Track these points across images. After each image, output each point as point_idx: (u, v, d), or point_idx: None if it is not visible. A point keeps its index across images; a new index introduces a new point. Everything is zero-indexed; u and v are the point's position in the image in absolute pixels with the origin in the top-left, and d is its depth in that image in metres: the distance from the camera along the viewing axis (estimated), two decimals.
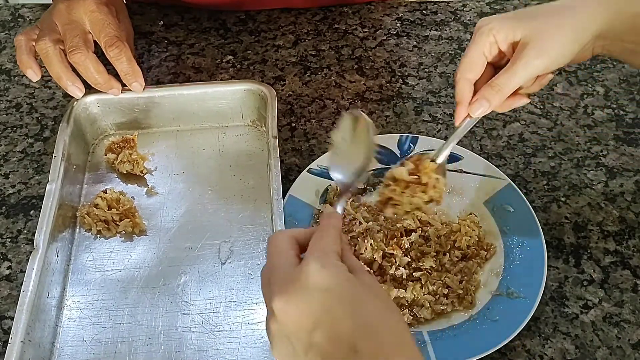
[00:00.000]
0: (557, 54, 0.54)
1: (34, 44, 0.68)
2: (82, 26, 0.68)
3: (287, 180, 0.70)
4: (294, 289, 0.43)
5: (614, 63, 0.84)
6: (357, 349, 0.41)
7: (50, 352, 0.57)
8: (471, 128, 0.58)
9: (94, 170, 0.73)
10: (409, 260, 0.63)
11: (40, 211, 0.62)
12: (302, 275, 0.43)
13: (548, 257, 0.61)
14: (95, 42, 0.69)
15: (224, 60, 0.86)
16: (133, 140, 0.72)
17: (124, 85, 0.71)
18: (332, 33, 0.90)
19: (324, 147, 0.74)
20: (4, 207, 0.70)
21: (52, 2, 0.75)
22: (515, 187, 0.67)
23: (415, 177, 0.56)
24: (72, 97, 0.72)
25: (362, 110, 0.62)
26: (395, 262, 0.63)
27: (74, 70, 0.69)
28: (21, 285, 0.57)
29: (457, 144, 0.72)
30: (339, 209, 0.52)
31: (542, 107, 0.79)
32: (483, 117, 0.77)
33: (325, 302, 0.42)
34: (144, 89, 0.72)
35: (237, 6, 0.92)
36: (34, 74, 0.69)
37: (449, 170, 0.70)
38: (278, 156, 0.66)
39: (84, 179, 0.72)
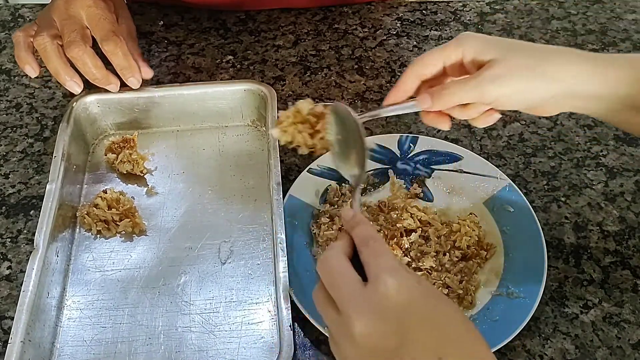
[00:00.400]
0: (513, 91, 0.52)
1: (32, 40, 0.68)
2: (80, 21, 0.68)
3: (287, 180, 0.70)
4: (374, 310, 0.41)
5: None
6: (442, 358, 0.40)
7: (50, 352, 0.57)
8: (406, 113, 0.57)
9: (94, 170, 0.73)
10: (409, 260, 0.63)
11: (40, 211, 0.62)
12: (380, 294, 0.41)
13: (548, 257, 0.61)
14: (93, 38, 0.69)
15: (224, 60, 0.86)
16: (133, 140, 0.72)
17: (123, 82, 0.71)
18: (332, 33, 0.90)
19: None
20: (4, 207, 0.70)
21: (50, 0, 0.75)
22: (515, 187, 0.67)
23: (315, 120, 0.58)
24: (72, 97, 0.72)
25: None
26: None
27: (73, 66, 0.69)
28: (21, 285, 0.57)
29: (457, 144, 0.73)
30: (357, 207, 0.51)
31: None
32: None
33: (409, 320, 0.41)
34: (141, 85, 0.72)
35: (237, 6, 0.92)
36: (32, 70, 0.69)
37: (448, 170, 0.71)
38: (278, 156, 0.66)
39: (84, 179, 0.72)
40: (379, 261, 0.43)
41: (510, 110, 0.78)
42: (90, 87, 0.71)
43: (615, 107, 0.53)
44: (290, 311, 0.55)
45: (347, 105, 0.55)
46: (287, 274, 0.57)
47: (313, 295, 0.46)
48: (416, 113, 0.78)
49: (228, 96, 0.75)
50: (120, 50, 0.68)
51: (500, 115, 0.56)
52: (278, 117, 0.60)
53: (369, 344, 0.41)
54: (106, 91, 0.72)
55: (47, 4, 0.75)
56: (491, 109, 0.55)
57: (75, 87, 0.70)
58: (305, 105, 0.58)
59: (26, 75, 0.84)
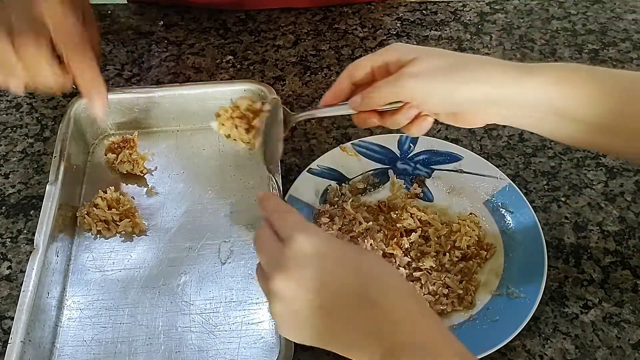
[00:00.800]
0: (432, 88, 0.52)
1: None
2: (39, 23, 0.60)
3: (287, 180, 0.70)
4: (289, 263, 0.45)
5: (614, 63, 0.84)
6: (367, 295, 0.43)
7: (50, 352, 0.57)
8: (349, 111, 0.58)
9: (94, 170, 0.73)
10: (409, 260, 0.63)
11: (40, 211, 0.62)
12: (292, 248, 0.45)
13: (548, 257, 0.61)
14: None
15: (224, 60, 0.86)
16: (133, 140, 0.72)
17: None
18: (332, 33, 0.90)
19: (324, 147, 0.74)
20: (4, 207, 0.70)
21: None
22: (515, 187, 0.67)
23: (252, 116, 0.60)
24: (72, 98, 0.72)
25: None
26: (395, 262, 0.63)
27: None
28: (21, 285, 0.57)
29: (457, 144, 0.73)
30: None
31: None
32: None
33: (324, 265, 0.45)
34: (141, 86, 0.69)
35: (237, 6, 0.92)
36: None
37: (448, 170, 0.71)
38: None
39: (84, 179, 0.72)
40: (287, 222, 0.48)
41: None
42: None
43: (541, 117, 0.53)
44: None
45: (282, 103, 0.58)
46: None
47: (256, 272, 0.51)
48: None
49: (228, 96, 0.74)
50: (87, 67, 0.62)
51: (433, 120, 0.56)
52: (220, 109, 0.62)
53: (291, 295, 0.44)
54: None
55: None
56: (422, 114, 0.56)
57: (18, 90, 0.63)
58: (243, 101, 0.61)
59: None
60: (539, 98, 0.52)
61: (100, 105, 0.63)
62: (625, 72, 0.54)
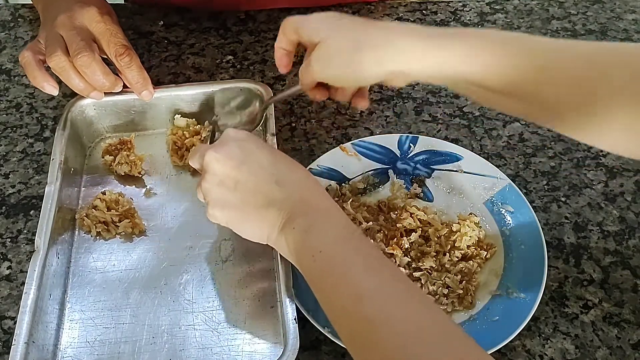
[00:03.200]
0: (337, 71, 0.55)
1: (41, 57, 0.67)
2: (86, 33, 0.67)
3: None
4: (218, 145, 0.56)
5: None
6: (276, 171, 0.54)
7: (53, 353, 0.57)
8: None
9: (91, 173, 0.73)
10: (409, 260, 0.63)
11: (40, 211, 0.62)
12: (223, 138, 0.57)
13: (548, 257, 0.61)
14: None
15: (224, 60, 0.86)
16: (130, 142, 0.72)
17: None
18: None
19: (324, 147, 0.75)
20: (4, 207, 0.70)
21: (42, 16, 0.74)
22: (515, 187, 0.67)
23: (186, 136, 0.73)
24: (72, 99, 0.72)
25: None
26: (395, 262, 0.63)
27: None
28: (21, 285, 0.57)
29: (457, 144, 0.73)
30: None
31: None
32: (483, 117, 0.78)
33: (246, 147, 0.55)
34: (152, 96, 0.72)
35: (235, 6, 0.92)
36: (52, 88, 0.68)
37: (448, 170, 0.71)
38: None
39: (82, 181, 0.72)
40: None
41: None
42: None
43: (452, 83, 0.55)
44: (294, 305, 0.55)
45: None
46: (289, 270, 0.57)
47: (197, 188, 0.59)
48: (417, 113, 0.79)
49: (227, 96, 0.74)
50: (134, 64, 0.68)
51: (367, 101, 0.64)
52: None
53: (217, 168, 0.54)
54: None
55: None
56: (360, 90, 0.63)
57: (99, 96, 0.70)
58: (180, 121, 0.75)
59: (26, 75, 0.84)
60: (445, 71, 0.52)
61: (150, 98, 0.72)
62: (543, 40, 0.53)
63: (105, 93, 0.71)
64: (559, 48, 0.52)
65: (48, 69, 0.67)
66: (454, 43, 0.52)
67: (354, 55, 0.53)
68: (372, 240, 0.63)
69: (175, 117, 0.75)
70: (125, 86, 0.71)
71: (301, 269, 0.51)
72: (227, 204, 0.54)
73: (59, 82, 0.68)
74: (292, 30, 0.59)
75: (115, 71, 0.69)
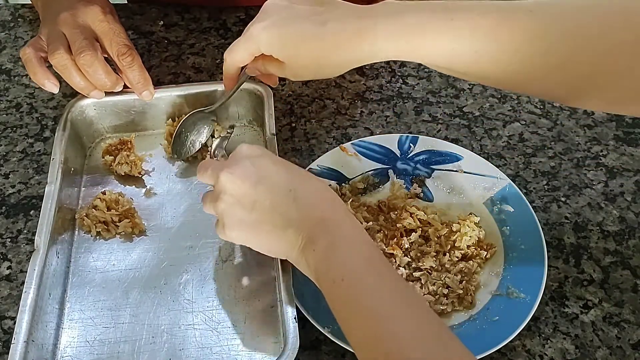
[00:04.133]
0: (309, 78, 0.62)
1: (42, 54, 0.67)
2: (89, 31, 0.67)
3: None
4: (233, 163, 0.54)
5: None
6: (293, 188, 0.52)
7: (53, 353, 0.57)
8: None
9: (91, 173, 0.73)
10: (409, 260, 0.63)
11: (40, 211, 0.62)
12: (236, 154, 0.55)
13: (548, 257, 0.61)
14: None
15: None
16: (130, 142, 0.72)
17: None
18: None
19: (324, 147, 0.75)
20: (4, 207, 0.70)
21: (42, 12, 0.74)
22: (515, 187, 0.67)
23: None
24: (72, 99, 0.72)
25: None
26: (395, 262, 0.63)
27: None
28: (21, 285, 0.57)
29: (457, 144, 0.73)
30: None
31: (542, 107, 0.79)
32: (483, 117, 0.78)
33: (261, 164, 0.53)
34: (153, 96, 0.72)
35: (234, 2, 0.92)
36: (53, 86, 0.68)
37: (448, 170, 0.71)
38: (277, 153, 0.66)
39: (82, 181, 0.72)
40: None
41: (509, 110, 0.79)
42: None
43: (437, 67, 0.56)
44: (294, 305, 0.55)
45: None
46: (290, 270, 0.57)
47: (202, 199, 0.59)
48: (417, 113, 0.79)
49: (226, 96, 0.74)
50: (136, 64, 0.68)
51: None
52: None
53: (234, 188, 0.53)
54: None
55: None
56: None
57: (99, 95, 0.70)
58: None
59: (26, 75, 0.84)
60: (432, 62, 0.54)
61: (150, 99, 0.72)
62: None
63: (105, 92, 0.71)
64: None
65: (49, 66, 0.67)
66: (440, 33, 0.52)
67: (320, 67, 0.57)
68: (391, 264, 0.61)
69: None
70: (125, 86, 0.71)
71: (322, 291, 0.49)
72: (243, 224, 0.53)
73: (59, 82, 0.68)
74: (250, 50, 0.59)
75: (116, 70, 0.69)
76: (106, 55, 0.69)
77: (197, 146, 0.72)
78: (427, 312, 0.46)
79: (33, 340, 0.54)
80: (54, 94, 0.81)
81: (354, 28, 0.54)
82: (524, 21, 0.49)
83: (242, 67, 0.64)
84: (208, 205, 0.56)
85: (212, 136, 0.73)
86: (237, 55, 0.61)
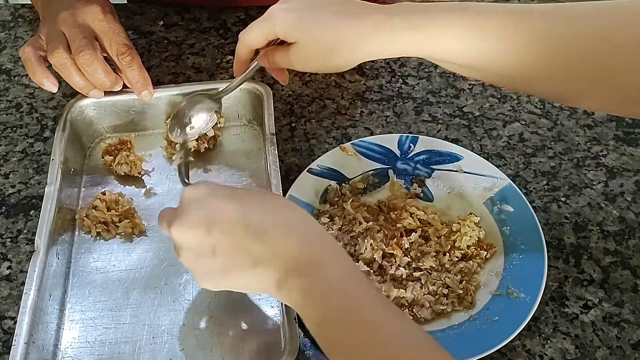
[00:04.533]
0: (318, 66, 0.58)
1: (42, 53, 0.67)
2: (88, 30, 0.67)
3: (287, 180, 0.70)
4: (179, 213, 0.50)
5: None
6: (250, 224, 0.47)
7: (53, 354, 0.57)
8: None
9: (91, 173, 0.73)
10: (409, 260, 0.63)
11: (40, 211, 0.62)
12: (181, 201, 0.51)
13: (548, 257, 0.61)
14: None
15: (224, 60, 0.86)
16: (130, 142, 0.72)
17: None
18: None
19: (324, 147, 0.75)
20: (4, 207, 0.70)
21: (42, 12, 0.74)
22: (515, 187, 0.67)
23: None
24: (71, 99, 0.72)
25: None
26: (395, 262, 0.63)
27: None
28: (21, 285, 0.57)
29: (457, 144, 0.73)
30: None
31: (542, 107, 0.79)
32: (483, 117, 0.78)
33: (209, 205, 0.49)
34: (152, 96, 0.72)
35: (234, 2, 0.92)
36: (52, 85, 0.68)
37: (448, 170, 0.71)
38: (276, 153, 0.66)
39: (82, 181, 0.72)
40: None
41: (509, 110, 0.78)
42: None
43: (447, 65, 0.56)
44: None
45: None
46: None
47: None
48: (417, 113, 0.79)
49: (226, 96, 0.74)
50: (135, 64, 0.68)
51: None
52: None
53: (188, 240, 0.49)
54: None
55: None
56: None
57: (99, 95, 0.70)
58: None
59: (26, 75, 0.84)
60: (445, 58, 0.54)
61: (150, 98, 0.72)
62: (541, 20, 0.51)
63: (105, 92, 0.71)
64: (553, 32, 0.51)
65: (49, 65, 0.67)
66: (449, 29, 0.52)
67: (330, 56, 0.56)
68: (373, 283, 0.60)
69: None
70: (124, 86, 0.71)
71: (309, 329, 0.47)
72: (212, 272, 0.49)
73: (59, 82, 0.68)
74: (265, 30, 0.59)
75: (115, 70, 0.69)
76: (106, 55, 0.69)
77: (196, 132, 0.70)
78: (421, 340, 0.45)
79: (34, 342, 0.55)
80: (53, 93, 0.81)
81: (372, 20, 0.54)
82: (539, 22, 0.50)
83: (255, 53, 0.64)
84: (179, 260, 0.53)
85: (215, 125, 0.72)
86: (251, 35, 0.60)
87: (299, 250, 0.46)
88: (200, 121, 0.71)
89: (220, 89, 0.70)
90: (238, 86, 0.68)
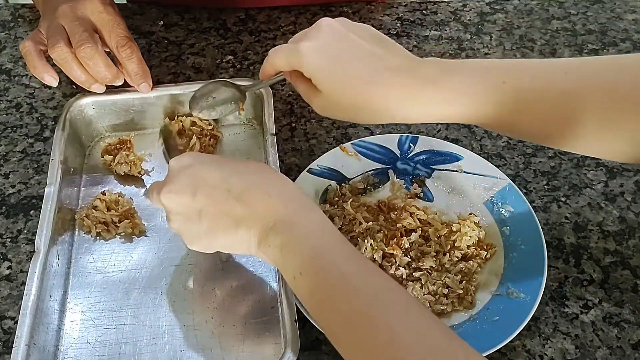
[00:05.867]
0: (343, 117, 0.57)
1: (42, 48, 0.67)
2: (89, 23, 0.67)
3: None
4: (167, 181, 0.54)
5: None
6: (230, 187, 0.51)
7: (54, 355, 0.57)
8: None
9: (90, 173, 0.73)
10: (409, 260, 0.63)
11: (40, 211, 0.62)
12: (169, 171, 0.55)
13: (548, 257, 0.61)
14: None
15: (224, 60, 0.86)
16: (130, 141, 0.72)
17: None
18: None
19: (324, 147, 0.75)
20: (4, 207, 0.70)
21: (42, 6, 0.74)
22: (515, 187, 0.67)
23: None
24: (71, 98, 0.72)
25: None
26: (395, 262, 0.63)
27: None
28: (21, 285, 0.57)
29: (457, 144, 0.73)
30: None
31: None
32: None
33: (193, 172, 0.53)
34: (151, 89, 0.72)
35: (234, 3, 0.92)
36: (52, 79, 0.68)
37: (448, 170, 0.71)
38: (277, 153, 0.66)
39: (81, 181, 0.72)
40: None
41: None
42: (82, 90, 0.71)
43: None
44: (294, 305, 0.55)
45: None
46: None
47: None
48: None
49: (225, 95, 0.74)
50: (135, 56, 0.68)
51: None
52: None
53: (176, 206, 0.53)
54: (102, 93, 0.72)
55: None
56: None
57: (100, 89, 0.70)
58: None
59: (26, 75, 0.84)
60: (446, 117, 0.55)
61: (148, 91, 0.72)
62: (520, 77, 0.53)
63: (106, 87, 0.70)
64: (533, 87, 0.53)
65: (49, 59, 0.67)
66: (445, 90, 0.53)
67: (356, 114, 0.56)
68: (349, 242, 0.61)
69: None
70: (126, 81, 0.71)
71: (289, 284, 0.50)
72: (200, 235, 0.53)
73: (59, 82, 0.68)
74: (291, 64, 0.56)
75: (116, 64, 0.69)
76: (107, 50, 0.69)
77: (215, 115, 0.71)
78: (397, 292, 0.46)
79: (34, 344, 0.55)
80: (54, 93, 0.81)
81: (410, 91, 0.53)
82: (560, 84, 0.52)
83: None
84: (169, 226, 0.56)
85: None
86: (277, 60, 0.58)
87: (277, 210, 0.50)
88: (221, 107, 0.71)
89: (248, 85, 0.70)
90: (263, 86, 0.70)
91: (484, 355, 0.55)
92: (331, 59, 0.53)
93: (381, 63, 0.54)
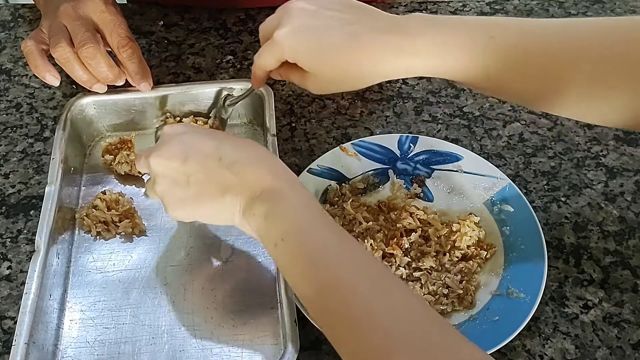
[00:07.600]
0: (331, 91, 0.59)
1: (44, 47, 0.67)
2: (90, 23, 0.67)
3: None
4: (158, 146, 0.55)
5: None
6: (222, 156, 0.52)
7: (53, 354, 0.57)
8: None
9: (91, 172, 0.73)
10: (409, 260, 0.63)
11: (40, 211, 0.62)
12: (162, 136, 0.56)
13: (548, 257, 0.61)
14: None
15: (224, 60, 0.86)
16: (130, 141, 0.72)
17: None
18: None
19: (324, 147, 0.75)
20: (4, 207, 0.70)
21: (43, 5, 0.74)
22: (515, 187, 0.67)
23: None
24: (71, 98, 0.72)
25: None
26: (395, 262, 0.63)
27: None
28: (21, 285, 0.57)
29: (457, 144, 0.73)
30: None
31: None
32: (483, 117, 0.78)
33: (186, 139, 0.54)
34: (151, 88, 0.72)
35: (234, 4, 0.92)
36: (54, 78, 0.67)
37: (448, 170, 0.71)
38: (277, 154, 0.66)
39: (82, 181, 0.72)
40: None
41: (509, 110, 0.79)
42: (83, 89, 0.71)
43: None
44: (293, 305, 0.55)
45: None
46: None
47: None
48: (417, 113, 0.79)
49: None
50: (136, 56, 0.69)
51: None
52: None
53: (164, 169, 0.53)
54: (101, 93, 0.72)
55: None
56: None
57: (102, 88, 0.70)
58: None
59: (26, 75, 0.84)
60: (455, 77, 0.55)
61: (148, 90, 0.73)
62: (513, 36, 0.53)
63: (107, 87, 0.70)
64: (527, 47, 0.52)
65: (50, 58, 0.67)
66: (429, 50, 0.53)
67: (346, 81, 0.56)
68: (334, 221, 0.60)
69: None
70: (127, 82, 0.71)
71: (269, 253, 0.51)
72: (184, 201, 0.53)
73: (60, 81, 0.68)
74: (277, 57, 0.57)
75: (118, 63, 0.69)
76: (109, 49, 0.69)
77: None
78: (376, 266, 0.46)
79: (34, 342, 0.54)
80: (54, 93, 0.81)
81: (392, 45, 0.53)
82: (551, 43, 0.52)
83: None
84: (149, 191, 0.57)
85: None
86: (264, 60, 0.59)
87: (265, 179, 0.51)
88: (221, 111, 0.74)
89: (241, 94, 0.72)
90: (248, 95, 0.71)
91: None
92: (307, 36, 0.54)
93: (357, 26, 0.54)
